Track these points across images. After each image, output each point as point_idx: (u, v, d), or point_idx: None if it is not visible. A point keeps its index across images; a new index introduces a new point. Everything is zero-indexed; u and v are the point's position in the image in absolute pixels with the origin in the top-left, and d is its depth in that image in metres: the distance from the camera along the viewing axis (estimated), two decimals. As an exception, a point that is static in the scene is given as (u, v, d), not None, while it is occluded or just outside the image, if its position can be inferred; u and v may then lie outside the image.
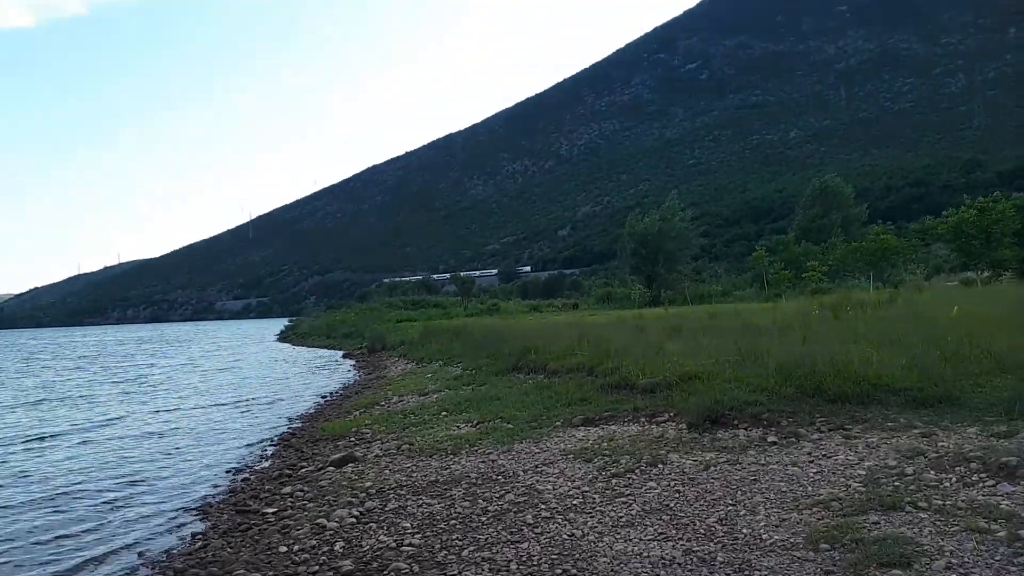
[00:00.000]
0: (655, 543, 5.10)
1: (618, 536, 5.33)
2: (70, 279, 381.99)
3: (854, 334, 11.61)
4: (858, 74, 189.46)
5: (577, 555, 5.09)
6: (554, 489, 6.79)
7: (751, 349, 11.02)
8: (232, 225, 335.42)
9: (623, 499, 6.18)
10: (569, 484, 6.86)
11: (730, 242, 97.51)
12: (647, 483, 6.53)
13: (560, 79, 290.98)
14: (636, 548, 5.05)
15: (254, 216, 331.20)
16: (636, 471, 6.92)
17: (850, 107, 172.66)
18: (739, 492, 5.96)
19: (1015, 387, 7.21)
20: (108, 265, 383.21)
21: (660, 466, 6.97)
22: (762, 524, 5.19)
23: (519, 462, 8.01)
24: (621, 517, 5.73)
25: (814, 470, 6.25)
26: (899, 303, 18.30)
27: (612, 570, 4.74)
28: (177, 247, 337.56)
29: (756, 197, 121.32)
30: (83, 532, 7.73)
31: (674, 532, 5.27)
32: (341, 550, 5.98)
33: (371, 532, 6.33)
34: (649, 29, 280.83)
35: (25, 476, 10.67)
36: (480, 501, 6.76)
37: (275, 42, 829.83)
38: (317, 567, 5.66)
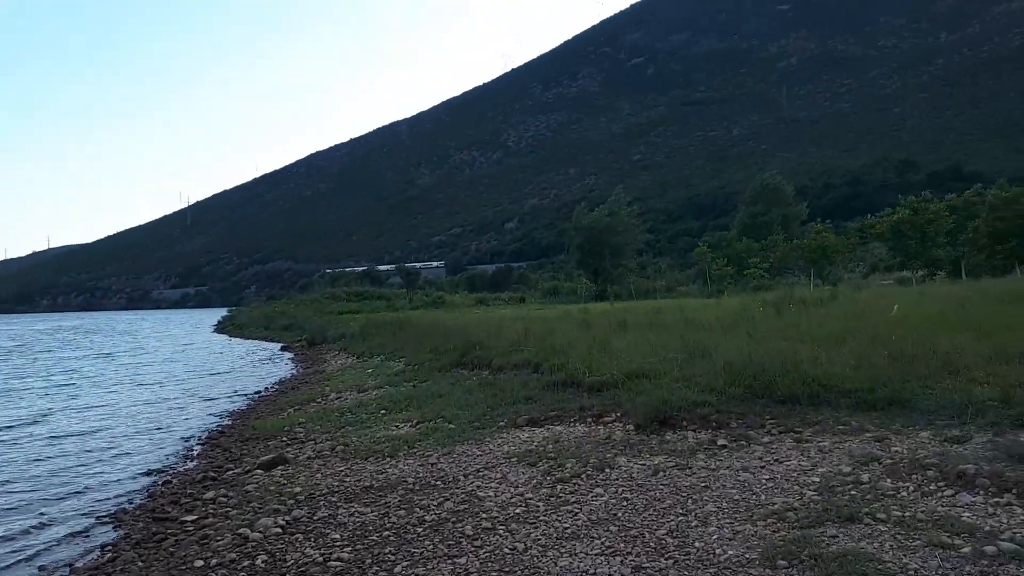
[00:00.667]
0: (603, 558, 4.76)
1: (563, 550, 4.97)
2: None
3: (799, 332, 11.55)
4: (799, 73, 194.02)
5: (519, 572, 4.71)
6: (496, 496, 6.40)
7: (698, 346, 10.84)
8: (169, 211, 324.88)
9: (568, 507, 5.83)
10: (512, 491, 6.49)
11: (674, 237, 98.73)
12: (594, 489, 6.20)
13: (508, 69, 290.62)
14: (582, 564, 4.70)
15: (192, 202, 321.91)
16: (582, 476, 6.59)
17: (791, 106, 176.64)
18: (690, 500, 5.67)
19: (964, 389, 7.13)
20: (37, 250, 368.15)
21: (607, 471, 6.65)
22: (715, 537, 4.90)
23: (460, 466, 7.60)
24: (566, 528, 5.37)
25: (766, 476, 6.01)
26: (839, 301, 18.50)
27: (556, 590, 4.37)
28: (111, 232, 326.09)
29: (699, 193, 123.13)
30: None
31: (622, 546, 4.93)
32: (263, 565, 5.48)
33: (297, 544, 5.84)
34: (596, 22, 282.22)
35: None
36: (417, 509, 6.33)
37: (213, 21, 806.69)
38: (235, 586, 5.15)
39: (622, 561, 4.67)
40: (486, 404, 10.33)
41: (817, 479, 5.74)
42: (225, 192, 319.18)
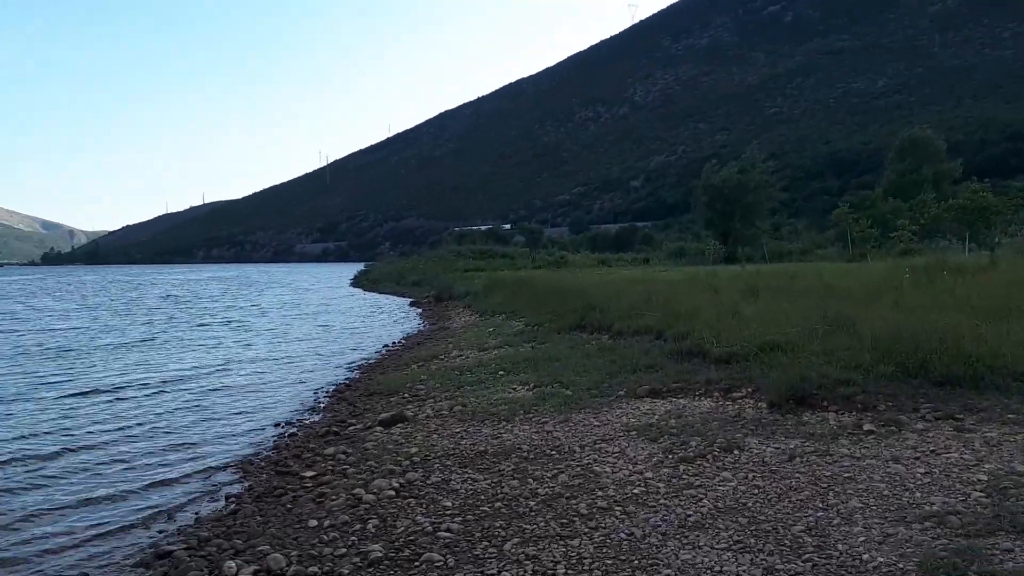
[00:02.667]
0: (730, 554, 4.31)
1: (685, 541, 4.56)
2: (158, 218, 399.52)
3: (956, 303, 10.38)
4: (955, 18, 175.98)
5: (636, 562, 4.35)
6: (613, 472, 6.04)
7: (840, 317, 9.93)
8: (310, 169, 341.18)
9: (692, 492, 5.39)
10: (630, 467, 6.11)
11: (811, 197, 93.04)
12: (720, 473, 5.72)
13: (636, 21, 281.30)
14: (707, 559, 4.27)
15: (330, 161, 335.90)
16: (708, 457, 6.11)
17: (944, 53, 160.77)
18: (831, 493, 5.09)
19: None
20: (193, 205, 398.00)
21: (736, 452, 6.13)
22: (861, 539, 4.33)
23: (576, 435, 7.29)
24: (689, 515, 4.94)
25: (922, 470, 5.31)
26: (1001, 268, 16.64)
27: (677, 588, 3.98)
28: (258, 189, 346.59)
29: (840, 149, 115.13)
30: (123, 489, 7.42)
31: (753, 541, 4.46)
32: (373, 530, 5.41)
33: (408, 510, 5.74)
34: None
35: (96, 424, 10.50)
36: (530, 481, 6.09)
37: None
38: (344, 550, 5.09)
39: (752, 560, 4.20)
40: (605, 371, 9.95)
41: (984, 477, 5.01)
42: (361, 151, 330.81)
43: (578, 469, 6.24)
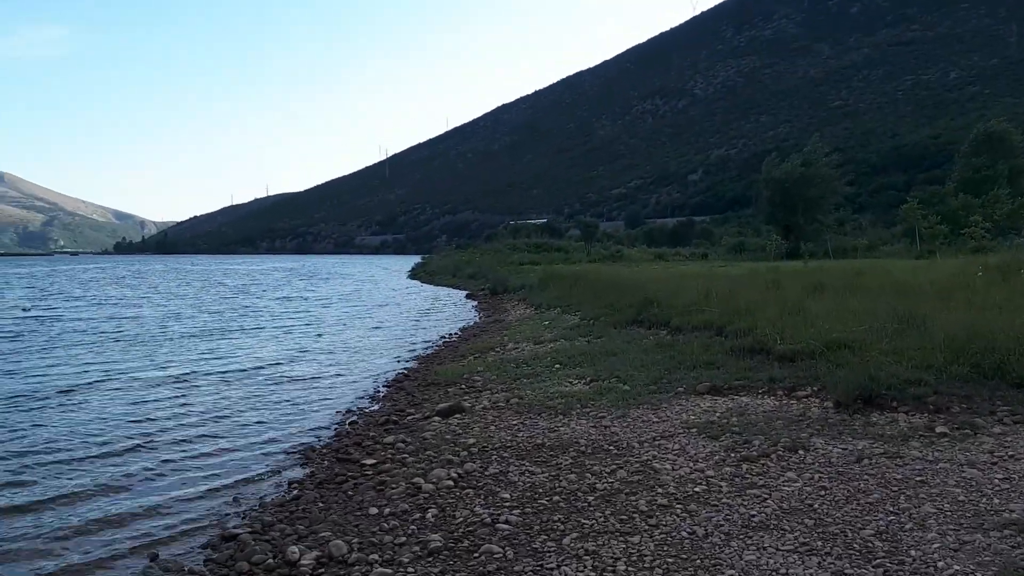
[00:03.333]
0: (796, 557, 4.21)
1: (749, 541, 4.47)
2: (224, 209, 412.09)
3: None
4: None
5: (698, 561, 4.28)
6: (673, 469, 5.96)
7: (909, 315, 9.60)
8: (370, 163, 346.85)
9: (756, 491, 5.28)
10: (691, 465, 6.02)
11: (877, 192, 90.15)
12: (785, 473, 5.58)
13: (697, 12, 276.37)
14: (771, 561, 4.18)
15: (389, 155, 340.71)
16: (772, 456, 5.97)
17: (1022, 44, 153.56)
18: (902, 496, 4.92)
19: None
20: (258, 197, 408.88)
21: (801, 452, 5.98)
22: (935, 546, 4.17)
23: (635, 431, 7.22)
24: (753, 516, 4.85)
25: (999, 475, 5.10)
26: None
27: (741, 589, 3.90)
28: (320, 182, 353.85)
29: (908, 143, 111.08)
30: (191, 474, 7.64)
31: (820, 544, 4.35)
32: (432, 520, 5.46)
33: (467, 501, 5.78)
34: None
35: (167, 410, 10.85)
36: (588, 475, 6.05)
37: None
38: (404, 538, 5.15)
39: (820, 563, 4.09)
40: (663, 366, 9.82)
41: (1069, 486, 4.78)
42: (419, 145, 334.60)
43: (637, 465, 6.17)
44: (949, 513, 4.60)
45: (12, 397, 11.15)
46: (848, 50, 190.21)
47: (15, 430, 9.16)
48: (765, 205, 51.52)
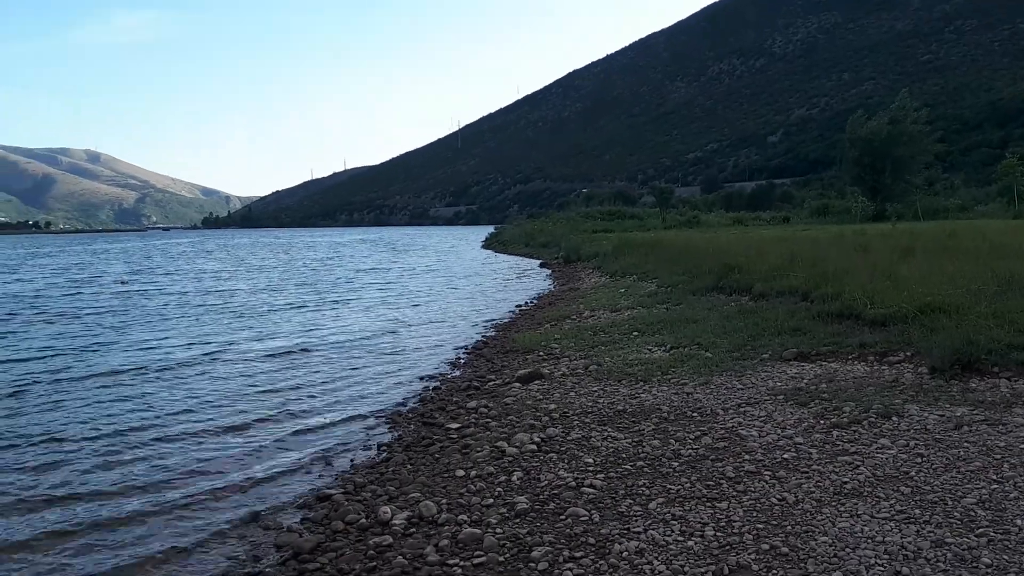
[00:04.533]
0: (892, 524, 4.11)
1: (842, 508, 4.38)
2: (304, 184, 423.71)
3: None
4: None
5: (788, 528, 4.23)
6: (760, 436, 5.88)
7: (1011, 277, 9.12)
8: (443, 135, 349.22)
9: (847, 458, 5.16)
10: (778, 432, 5.91)
11: (969, 150, 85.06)
12: (878, 440, 5.43)
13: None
14: (867, 529, 4.09)
15: (462, 125, 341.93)
16: (864, 423, 5.81)
17: None
18: (1006, 464, 4.73)
19: None
20: (336, 171, 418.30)
21: (895, 419, 5.80)
22: (1044, 515, 4.00)
23: (718, 398, 7.14)
24: (845, 483, 4.74)
25: (1114, 444, 4.83)
26: None
27: (835, 555, 3.83)
28: (395, 155, 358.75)
29: (1004, 98, 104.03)
30: (287, 437, 7.96)
31: (918, 512, 4.22)
32: (518, 482, 5.55)
33: (551, 464, 5.85)
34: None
35: (264, 378, 11.25)
36: (672, 441, 6.03)
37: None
38: (492, 500, 5.26)
39: (918, 532, 3.98)
40: (747, 333, 9.63)
41: None
42: (491, 115, 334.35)
43: (722, 432, 6.11)
44: (1058, 482, 4.39)
45: (117, 372, 11.59)
46: (939, 0, 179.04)
47: (124, 400, 9.68)
48: (850, 166, 49.34)
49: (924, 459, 4.98)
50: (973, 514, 4.12)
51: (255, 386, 10.44)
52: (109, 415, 8.83)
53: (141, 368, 11.70)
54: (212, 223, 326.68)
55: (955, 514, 4.15)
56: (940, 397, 6.19)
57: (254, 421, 8.54)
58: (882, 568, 3.65)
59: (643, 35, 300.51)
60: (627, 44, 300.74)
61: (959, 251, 13.70)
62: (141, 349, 13.70)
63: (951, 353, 6.72)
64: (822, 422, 5.98)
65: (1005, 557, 3.64)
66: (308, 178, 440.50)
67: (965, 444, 5.15)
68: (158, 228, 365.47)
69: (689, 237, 30.73)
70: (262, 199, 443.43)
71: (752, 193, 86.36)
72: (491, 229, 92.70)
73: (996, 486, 4.44)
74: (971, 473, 4.67)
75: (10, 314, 19.54)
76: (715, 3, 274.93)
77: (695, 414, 6.73)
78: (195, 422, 8.49)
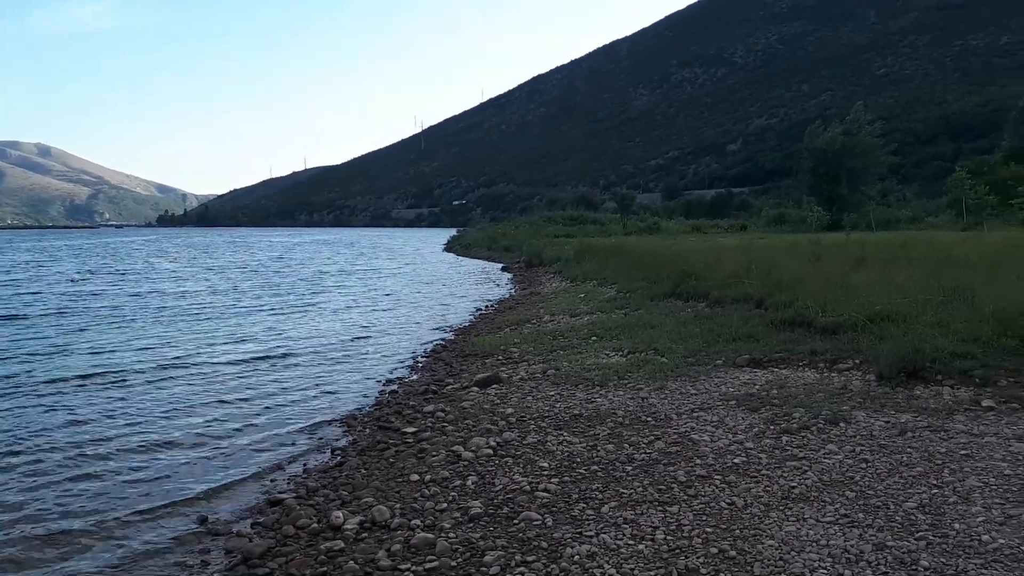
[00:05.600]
0: (836, 528, 4.21)
1: (789, 513, 4.47)
2: (263, 183, 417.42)
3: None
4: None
5: (737, 531, 4.30)
6: (712, 441, 5.97)
7: (955, 288, 9.40)
8: (406, 136, 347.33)
9: (795, 463, 5.27)
10: (730, 437, 6.01)
11: (922, 162, 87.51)
12: (826, 445, 5.56)
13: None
14: (812, 532, 4.18)
15: (425, 127, 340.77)
16: (812, 429, 5.94)
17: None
18: (946, 470, 4.88)
19: None
20: (296, 171, 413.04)
21: (842, 425, 5.94)
22: (980, 519, 4.14)
23: (673, 403, 7.23)
24: (793, 487, 4.84)
25: (1049, 450, 5.01)
26: None
27: (780, 559, 3.91)
28: (356, 155, 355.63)
29: (955, 112, 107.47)
30: (239, 442, 7.82)
31: (861, 516, 4.33)
32: (472, 487, 5.55)
33: (506, 469, 5.86)
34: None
35: (217, 383, 11.10)
36: (626, 446, 6.09)
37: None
38: (445, 504, 5.25)
39: (861, 535, 4.09)
40: (702, 339, 9.77)
41: (1121, 461, 4.68)
42: (454, 117, 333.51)
43: (675, 436, 6.19)
44: (995, 487, 4.55)
45: (60, 379, 10.84)
46: (894, 15, 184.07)
47: (67, 410, 9.17)
48: (806, 175, 50.48)
49: (869, 464, 5.11)
50: (914, 518, 4.24)
51: (209, 392, 10.15)
52: (49, 426, 8.30)
53: (86, 376, 11.01)
54: (168, 221, 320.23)
55: (896, 518, 4.26)
56: (886, 404, 6.35)
57: (206, 428, 8.33)
58: (825, 571, 3.73)
59: (607, 41, 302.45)
60: (591, 50, 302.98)
61: (909, 260, 14.08)
62: (87, 354, 12.99)
63: (897, 361, 6.90)
64: (772, 427, 6.09)
65: (943, 560, 3.75)
66: (267, 177, 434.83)
67: (908, 450, 5.30)
68: (111, 225, 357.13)
69: (649, 243, 31.05)
70: (219, 197, 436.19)
71: (711, 201, 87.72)
72: (453, 232, 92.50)
73: (936, 491, 4.58)
74: (913, 478, 4.81)
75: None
76: (678, 11, 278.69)
77: (649, 419, 6.80)
78: (144, 432, 8.18)
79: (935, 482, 4.70)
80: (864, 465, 5.10)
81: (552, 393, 8.22)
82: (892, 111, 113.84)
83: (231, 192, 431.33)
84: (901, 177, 72.84)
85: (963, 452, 5.15)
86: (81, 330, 15.99)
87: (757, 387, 7.34)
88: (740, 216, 67.21)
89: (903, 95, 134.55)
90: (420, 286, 28.44)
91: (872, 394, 6.65)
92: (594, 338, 11.39)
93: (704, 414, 6.72)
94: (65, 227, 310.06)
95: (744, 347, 8.92)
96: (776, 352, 8.44)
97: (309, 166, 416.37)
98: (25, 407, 9.19)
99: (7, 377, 10.90)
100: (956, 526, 4.09)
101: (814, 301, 9.91)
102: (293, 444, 7.71)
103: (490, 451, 6.36)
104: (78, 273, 34.67)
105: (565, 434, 6.61)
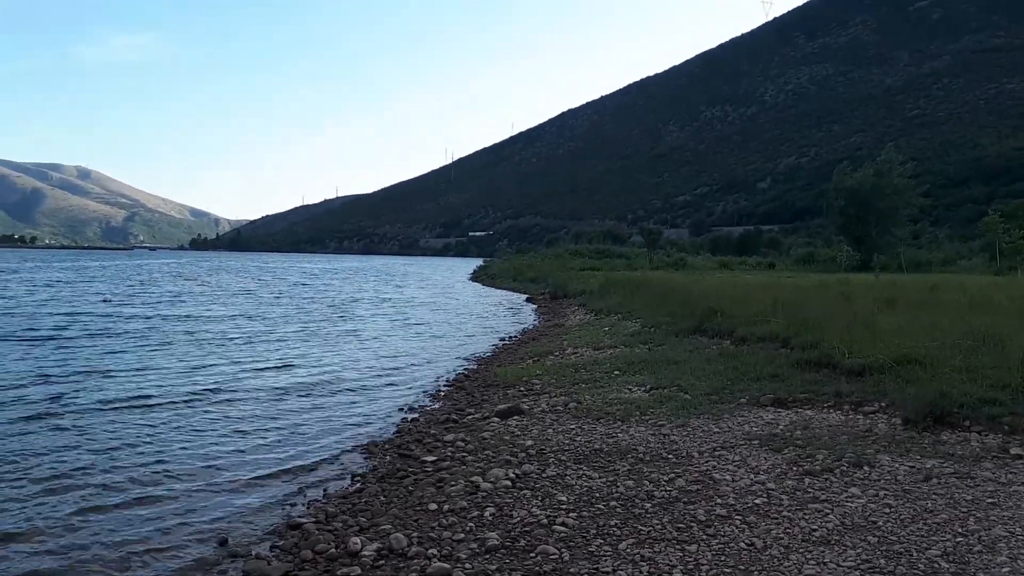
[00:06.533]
0: (857, 574, 4.14)
1: (809, 556, 4.41)
2: (295, 209, 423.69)
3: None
4: None
5: (755, 573, 4.25)
6: (733, 480, 5.91)
7: (986, 333, 9.26)
8: (436, 166, 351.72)
9: (817, 505, 5.20)
10: (751, 477, 5.96)
11: (954, 205, 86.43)
12: (848, 488, 5.48)
13: (770, 18, 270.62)
14: (832, 576, 4.12)
15: (456, 158, 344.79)
16: (835, 471, 5.86)
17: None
18: (971, 518, 4.78)
19: None
20: (327, 198, 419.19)
21: (866, 468, 5.86)
22: (1006, 570, 4.05)
23: (694, 440, 7.18)
24: (814, 530, 4.78)
25: (1079, 501, 4.90)
26: None
27: (799, 602, 3.86)
28: (387, 185, 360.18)
29: (989, 155, 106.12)
30: (263, 463, 7.89)
31: (883, 562, 4.26)
32: (490, 518, 5.55)
33: (524, 501, 5.85)
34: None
35: (249, 403, 11.26)
36: (646, 482, 6.05)
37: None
38: (463, 535, 5.25)
39: (882, 581, 4.03)
40: (726, 377, 9.71)
41: None
42: (484, 149, 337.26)
43: (696, 475, 6.14)
44: (1021, 537, 4.45)
45: (87, 408, 10.37)
46: (928, 58, 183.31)
47: (93, 434, 9.03)
48: (836, 215, 50.09)
49: (892, 509, 5.03)
50: (936, 566, 4.17)
51: (233, 416, 10.18)
52: (72, 449, 8.22)
53: (112, 400, 10.86)
54: (200, 245, 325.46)
55: (919, 566, 4.19)
56: (912, 448, 6.26)
57: (230, 451, 8.38)
58: (844, 617, 3.67)
59: (637, 78, 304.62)
60: (621, 86, 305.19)
61: (939, 304, 13.91)
62: (115, 378, 12.80)
63: (924, 405, 6.81)
64: (795, 469, 6.03)
65: (965, 610, 3.68)
66: (299, 203, 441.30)
67: (933, 496, 5.21)
68: (145, 247, 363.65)
69: (675, 279, 30.95)
70: (252, 223, 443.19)
71: (739, 238, 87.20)
72: (480, 262, 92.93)
73: (960, 539, 4.49)
74: (937, 525, 4.72)
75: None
76: (709, 51, 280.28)
77: (670, 456, 6.76)
78: (169, 455, 8.18)
79: (960, 530, 4.62)
80: (887, 510, 5.03)
81: (573, 426, 8.21)
82: (924, 153, 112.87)
83: (263, 218, 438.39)
84: (933, 219, 72.02)
85: (990, 500, 5.05)
86: (111, 353, 15.88)
87: (781, 427, 7.27)
88: (768, 254, 66.77)
89: (936, 137, 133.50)
90: (445, 315, 28.59)
91: (898, 438, 6.56)
92: (617, 372, 11.36)
93: (726, 453, 6.67)
94: (100, 248, 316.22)
95: (768, 386, 8.84)
96: (801, 392, 8.35)
97: (341, 194, 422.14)
98: (58, 429, 9.15)
99: (36, 401, 10.71)
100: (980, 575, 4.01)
101: (840, 341, 9.80)
102: (315, 469, 7.76)
103: (509, 483, 6.36)
104: (111, 294, 35.28)
105: (585, 468, 6.59)
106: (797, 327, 11.63)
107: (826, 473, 5.84)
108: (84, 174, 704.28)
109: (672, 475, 6.17)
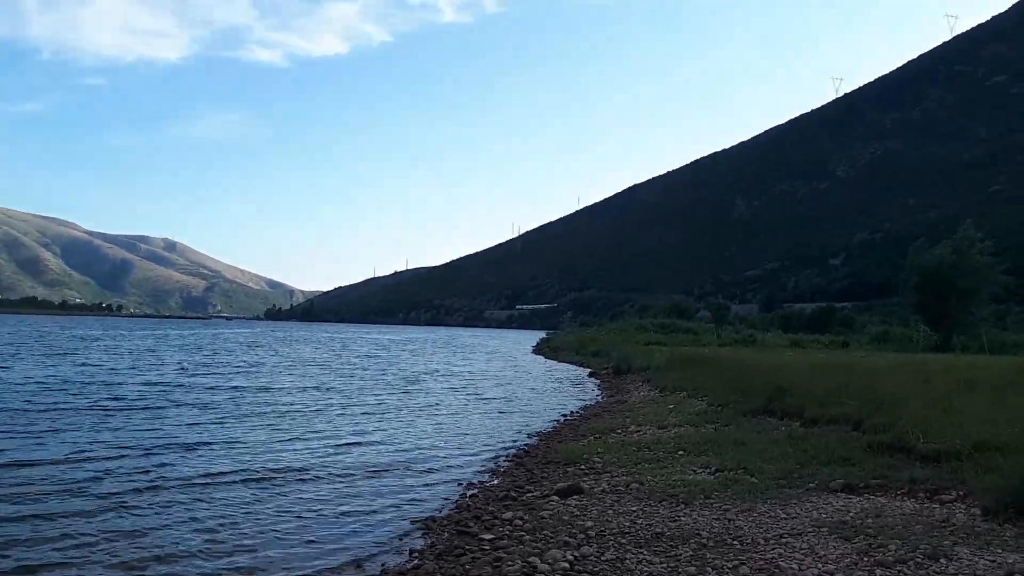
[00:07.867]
0: (931, 676, 3.92)
1: (879, 654, 4.20)
2: (366, 281, 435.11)
3: None
4: None
5: (821, 670, 4.07)
6: (800, 570, 5.69)
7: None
8: (503, 239, 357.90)
9: (889, 600, 4.97)
10: (819, 566, 5.72)
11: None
12: (923, 583, 5.21)
13: (840, 93, 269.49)
14: (904, 678, 3.91)
15: (522, 232, 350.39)
16: (909, 563, 5.59)
17: None
18: (1059, 621, 4.48)
19: None
20: (397, 271, 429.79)
21: (943, 561, 5.57)
22: None
23: (760, 527, 6.95)
24: (885, 626, 4.56)
25: None
26: None
27: None
28: (455, 258, 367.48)
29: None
30: (321, 535, 8.00)
31: (959, 664, 4.03)
32: (547, 600, 5.47)
33: (582, 585, 5.75)
34: (948, 38, 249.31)
35: (312, 471, 11.46)
36: (709, 569, 5.88)
37: (551, 59, 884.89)
38: (519, 616, 5.20)
39: None
40: (794, 460, 9.41)
41: None
42: (551, 223, 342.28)
43: (761, 562, 5.94)
44: (1116, 645, 4.14)
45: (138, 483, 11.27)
46: (1007, 132, 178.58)
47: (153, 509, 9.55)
48: (912, 293, 48.39)
49: (971, 608, 4.76)
50: (1020, 672, 3.91)
51: (297, 489, 10.22)
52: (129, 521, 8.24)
53: (188, 479, 10.48)
54: (275, 315, 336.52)
55: (1000, 670, 3.94)
56: (992, 541, 5.93)
57: (291, 523, 8.46)
58: None
59: (706, 153, 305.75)
60: (690, 161, 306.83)
61: (1024, 387, 13.22)
62: (187, 451, 12.67)
63: (1006, 495, 6.46)
64: (865, 559, 5.77)
65: None
66: (370, 275, 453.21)
67: (1017, 595, 4.91)
68: (222, 317, 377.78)
69: (744, 356, 30.31)
70: (325, 294, 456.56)
71: (811, 315, 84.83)
72: (543, 334, 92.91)
73: (1047, 643, 4.21)
74: (1021, 627, 4.44)
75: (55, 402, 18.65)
76: (778, 126, 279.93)
77: (735, 542, 6.56)
78: (233, 529, 8.18)
79: (1046, 634, 4.33)
80: (966, 608, 4.76)
81: (634, 508, 8.06)
82: (1007, 229, 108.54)
83: (336, 289, 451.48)
84: (1018, 299, 68.73)
85: (1080, 602, 4.72)
86: (187, 424, 15.84)
87: (851, 514, 6.98)
88: (842, 332, 64.65)
89: (1018, 213, 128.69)
90: (508, 388, 28.56)
91: (977, 530, 6.22)
92: (681, 452, 11.13)
93: (793, 540, 6.44)
94: (180, 317, 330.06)
95: (839, 471, 8.54)
96: (873, 478, 8.03)
97: (410, 267, 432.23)
98: (145, 505, 9.03)
99: (107, 473, 10.57)
100: None
101: (916, 425, 9.42)
102: (372, 543, 7.80)
103: (567, 565, 6.26)
104: (188, 363, 36.56)
105: (645, 553, 6.45)
106: (870, 408, 11.24)
107: (899, 565, 5.57)
108: (170, 246, 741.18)
109: (736, 562, 5.98)
